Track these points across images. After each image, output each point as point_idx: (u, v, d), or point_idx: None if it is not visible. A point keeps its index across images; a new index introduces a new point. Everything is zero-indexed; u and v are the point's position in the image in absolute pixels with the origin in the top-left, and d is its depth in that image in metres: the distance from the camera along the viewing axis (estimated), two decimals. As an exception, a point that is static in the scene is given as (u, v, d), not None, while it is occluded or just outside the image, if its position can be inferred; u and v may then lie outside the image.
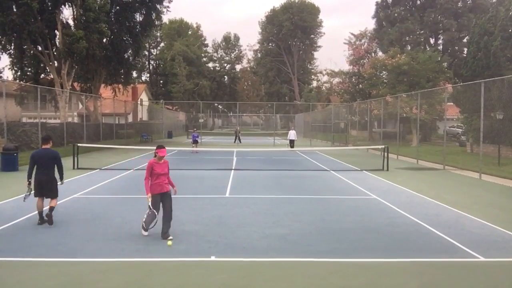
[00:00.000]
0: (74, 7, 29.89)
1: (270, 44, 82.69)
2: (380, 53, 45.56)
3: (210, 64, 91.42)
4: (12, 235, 7.53)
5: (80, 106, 41.77)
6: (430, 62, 33.46)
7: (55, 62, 30.56)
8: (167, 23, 76.97)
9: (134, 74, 48.58)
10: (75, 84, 36.13)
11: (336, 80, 53.69)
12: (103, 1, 30.11)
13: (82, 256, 6.43)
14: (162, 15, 39.85)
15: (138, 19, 36.85)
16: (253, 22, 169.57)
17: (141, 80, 71.45)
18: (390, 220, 8.88)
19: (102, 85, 38.04)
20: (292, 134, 30.81)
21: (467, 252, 6.83)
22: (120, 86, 39.04)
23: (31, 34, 27.47)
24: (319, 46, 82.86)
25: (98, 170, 16.82)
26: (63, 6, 30.00)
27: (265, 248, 6.89)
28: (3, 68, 42.12)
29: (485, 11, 27.96)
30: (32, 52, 30.53)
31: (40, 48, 29.34)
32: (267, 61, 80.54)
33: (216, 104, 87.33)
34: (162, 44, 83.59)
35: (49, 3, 29.22)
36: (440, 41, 44.41)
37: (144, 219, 7.41)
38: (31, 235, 7.49)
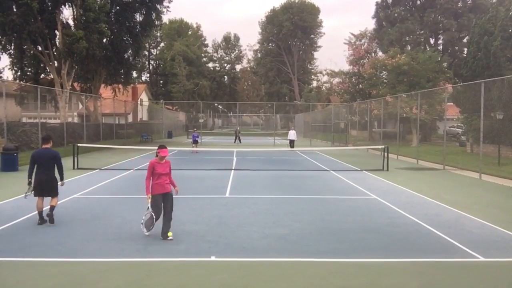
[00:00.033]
0: (74, 7, 29.91)
1: (270, 44, 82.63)
2: (380, 53, 45.61)
3: (210, 64, 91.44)
4: (12, 235, 7.54)
5: (80, 106, 41.75)
6: (430, 62, 33.47)
7: (55, 62, 30.57)
8: (167, 23, 76.93)
9: (134, 74, 48.63)
10: (75, 84, 36.13)
11: (336, 80, 53.83)
12: (103, 1, 30.14)
13: (82, 256, 6.43)
14: (162, 15, 39.92)
15: (138, 19, 36.86)
16: (253, 22, 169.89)
17: (141, 80, 71.48)
18: (390, 220, 8.88)
19: (102, 85, 38.03)
20: (292, 134, 30.82)
21: (467, 252, 6.83)
22: (120, 86, 39.03)
23: (31, 34, 27.48)
24: (319, 46, 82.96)
25: (98, 170, 16.81)
26: (63, 6, 30.02)
27: (265, 248, 6.89)
28: (3, 68, 42.20)
29: (485, 11, 27.97)
30: (32, 52, 30.53)
31: (40, 48, 29.35)
32: (267, 61, 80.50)
33: (216, 104, 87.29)
34: (162, 44, 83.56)
35: (49, 3, 29.23)
36: (440, 41, 44.45)
37: (143, 219, 7.40)
38: (31, 235, 7.49)
